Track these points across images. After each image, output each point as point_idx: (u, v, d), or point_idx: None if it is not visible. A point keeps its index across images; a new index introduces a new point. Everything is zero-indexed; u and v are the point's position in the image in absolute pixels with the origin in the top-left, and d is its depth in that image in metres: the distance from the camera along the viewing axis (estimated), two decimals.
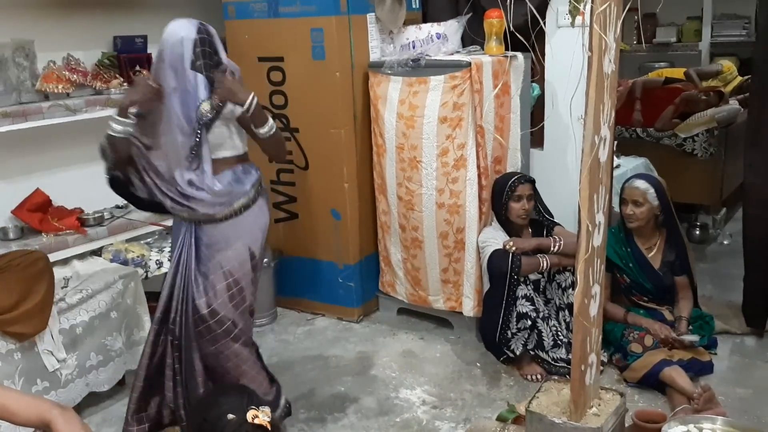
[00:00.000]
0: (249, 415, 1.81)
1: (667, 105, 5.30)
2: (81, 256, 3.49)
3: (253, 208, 2.81)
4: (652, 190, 3.46)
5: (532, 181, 3.63)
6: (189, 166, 2.67)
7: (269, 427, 1.81)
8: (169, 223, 3.84)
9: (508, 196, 3.57)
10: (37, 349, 2.94)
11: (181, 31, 2.69)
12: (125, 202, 3.88)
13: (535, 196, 3.61)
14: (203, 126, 2.65)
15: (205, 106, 2.65)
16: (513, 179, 3.60)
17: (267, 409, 1.84)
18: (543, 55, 3.60)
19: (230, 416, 1.82)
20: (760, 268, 3.64)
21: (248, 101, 2.69)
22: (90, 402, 3.24)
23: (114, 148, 2.70)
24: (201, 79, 2.67)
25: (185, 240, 2.80)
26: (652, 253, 3.56)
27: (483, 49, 3.84)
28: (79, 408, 3.14)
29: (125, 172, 2.79)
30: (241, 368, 2.88)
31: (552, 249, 3.50)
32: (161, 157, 2.71)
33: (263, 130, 2.77)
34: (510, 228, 3.62)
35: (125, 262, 3.49)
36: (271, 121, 2.80)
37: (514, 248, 3.44)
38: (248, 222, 2.80)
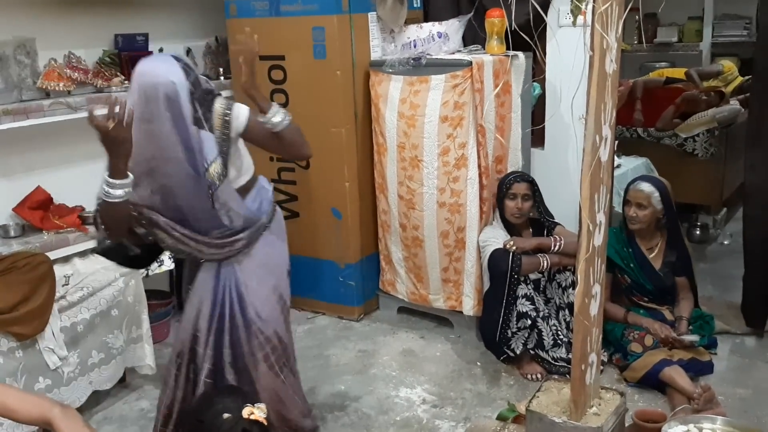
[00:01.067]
0: (245, 412, 1.82)
1: (668, 105, 5.30)
2: (82, 254, 3.48)
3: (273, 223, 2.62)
4: (657, 194, 3.46)
5: (530, 181, 3.62)
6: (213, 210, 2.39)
7: (265, 423, 1.82)
8: None
9: (503, 194, 3.58)
10: (39, 347, 2.94)
11: (171, 75, 2.25)
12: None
13: (534, 196, 3.61)
14: (216, 189, 2.34)
15: (216, 169, 2.32)
16: (509, 177, 3.61)
17: (263, 406, 1.84)
18: (544, 54, 3.60)
19: (226, 415, 1.82)
20: (760, 269, 3.64)
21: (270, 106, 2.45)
22: (90, 400, 3.24)
23: (114, 217, 2.27)
24: (206, 136, 2.33)
25: (225, 281, 2.53)
26: (653, 254, 3.56)
27: (484, 49, 3.84)
28: (80, 405, 3.14)
29: (123, 238, 2.42)
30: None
31: (552, 248, 3.51)
32: (181, 206, 2.38)
33: (277, 119, 2.47)
34: (510, 227, 3.62)
35: None
36: (276, 105, 2.51)
37: (514, 247, 3.44)
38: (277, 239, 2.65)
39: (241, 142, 2.51)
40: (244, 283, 2.54)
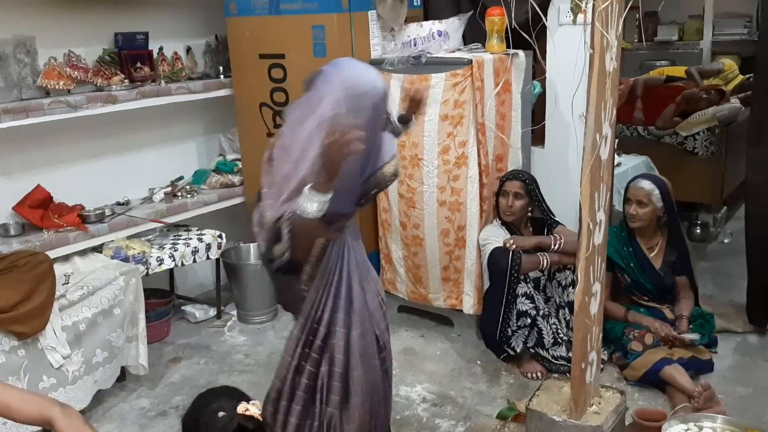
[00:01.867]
0: (240, 408, 1.83)
1: (668, 103, 5.30)
2: (82, 253, 3.50)
3: None
4: (656, 192, 3.46)
5: (523, 180, 3.58)
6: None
7: (260, 419, 1.83)
8: (170, 220, 3.87)
9: (498, 192, 3.59)
10: (41, 346, 2.94)
11: (381, 81, 2.05)
12: (126, 198, 3.93)
13: (530, 194, 3.58)
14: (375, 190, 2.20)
15: (390, 168, 2.17)
16: (504, 175, 3.61)
17: (257, 402, 1.85)
18: (544, 52, 3.60)
19: (221, 414, 1.84)
20: (762, 267, 3.64)
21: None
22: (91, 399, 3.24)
23: (304, 233, 1.97)
24: (388, 137, 2.25)
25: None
26: (654, 253, 3.56)
27: (484, 47, 3.83)
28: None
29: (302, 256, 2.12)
30: None
31: (552, 247, 3.50)
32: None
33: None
34: (510, 226, 3.62)
35: (126, 259, 3.49)
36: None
37: (514, 246, 3.44)
38: None
39: None
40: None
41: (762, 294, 3.68)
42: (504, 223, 3.63)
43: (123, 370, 3.40)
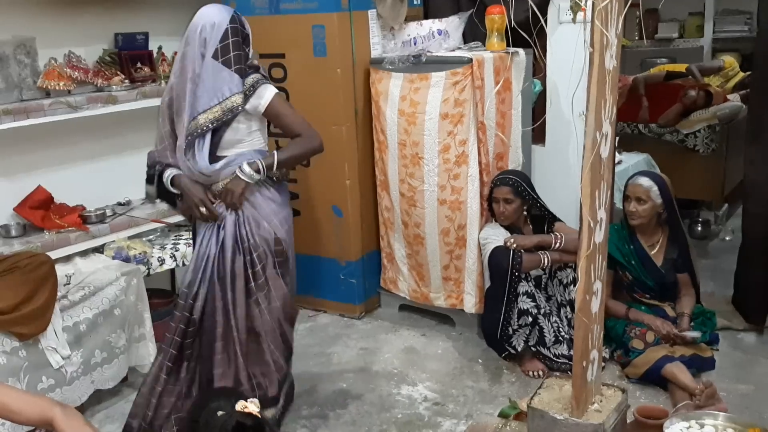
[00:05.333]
0: (238, 405, 1.84)
1: (670, 100, 5.28)
2: (83, 254, 3.50)
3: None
4: (655, 188, 3.45)
5: (511, 183, 3.53)
6: (185, 153, 2.71)
7: (259, 416, 1.83)
8: (171, 220, 3.86)
9: (488, 198, 3.60)
10: (41, 347, 2.94)
11: (215, 16, 2.63)
12: (127, 199, 3.93)
13: (521, 196, 3.53)
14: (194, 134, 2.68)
15: (236, 100, 2.64)
16: (492, 180, 3.60)
17: (256, 401, 1.86)
18: (544, 51, 3.60)
19: (220, 413, 1.85)
20: (759, 265, 3.63)
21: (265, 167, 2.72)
22: (92, 398, 3.24)
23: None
24: (228, 74, 2.63)
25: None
26: (655, 251, 3.55)
27: (484, 46, 3.83)
28: (82, 404, 3.14)
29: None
30: None
31: (553, 246, 3.50)
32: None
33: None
34: (510, 225, 3.62)
35: (127, 260, 3.49)
36: (275, 159, 2.74)
37: (514, 245, 3.44)
38: None
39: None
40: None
41: (760, 293, 3.66)
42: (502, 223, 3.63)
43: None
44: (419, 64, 3.67)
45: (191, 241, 3.13)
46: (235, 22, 2.65)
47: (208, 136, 2.65)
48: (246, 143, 2.75)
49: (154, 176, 2.82)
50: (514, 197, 3.52)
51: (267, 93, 2.68)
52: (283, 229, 2.80)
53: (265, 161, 2.71)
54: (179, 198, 2.81)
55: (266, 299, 2.76)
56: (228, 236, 2.72)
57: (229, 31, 2.62)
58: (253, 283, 2.74)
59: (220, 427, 1.82)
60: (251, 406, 1.85)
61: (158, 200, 2.98)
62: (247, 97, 2.65)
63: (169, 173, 2.76)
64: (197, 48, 2.61)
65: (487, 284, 3.61)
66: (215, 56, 2.60)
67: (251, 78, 2.67)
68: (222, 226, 2.74)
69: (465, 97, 3.54)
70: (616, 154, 3.98)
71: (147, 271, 3.53)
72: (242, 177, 2.68)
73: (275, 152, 2.74)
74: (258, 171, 2.69)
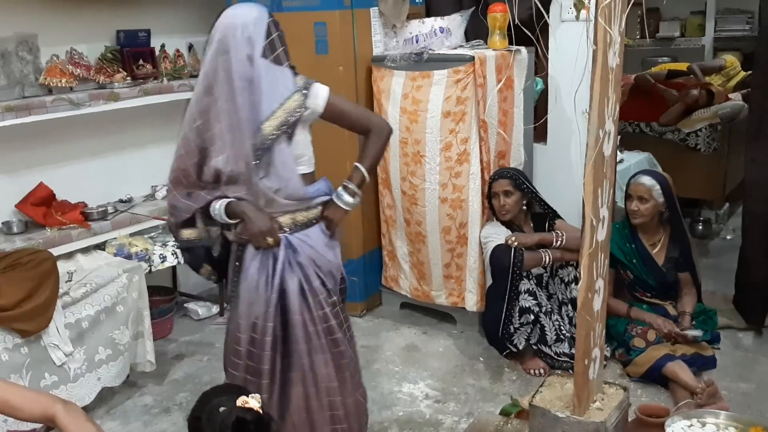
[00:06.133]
0: (239, 401, 1.84)
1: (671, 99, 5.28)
2: (85, 250, 3.50)
3: None
4: (657, 187, 3.45)
5: (510, 176, 3.54)
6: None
7: (260, 412, 1.83)
8: None
9: (487, 195, 3.58)
10: (44, 343, 2.94)
11: (252, 11, 2.32)
12: (128, 196, 3.93)
13: (521, 189, 3.53)
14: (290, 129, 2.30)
15: (297, 98, 2.30)
16: (490, 177, 3.59)
17: (257, 396, 1.86)
18: (547, 49, 3.59)
19: (222, 409, 1.85)
20: (760, 265, 3.63)
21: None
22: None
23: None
24: (281, 72, 2.32)
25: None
26: (656, 250, 3.55)
27: (486, 43, 3.83)
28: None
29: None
30: None
31: (554, 244, 3.50)
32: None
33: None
34: (510, 224, 3.61)
35: (129, 257, 3.49)
36: (364, 174, 2.43)
37: (516, 243, 3.44)
38: None
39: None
40: None
41: (759, 293, 3.66)
42: (504, 222, 3.62)
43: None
44: (421, 62, 3.67)
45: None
46: (272, 15, 2.38)
47: (287, 152, 2.32)
48: (306, 158, 2.42)
49: (195, 219, 2.41)
50: (513, 189, 3.52)
51: (322, 91, 2.37)
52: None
53: (355, 181, 2.41)
54: (233, 227, 2.37)
55: None
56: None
57: (271, 26, 2.34)
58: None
59: (220, 423, 1.82)
60: (252, 401, 1.85)
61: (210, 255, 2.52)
62: (304, 97, 2.34)
63: (220, 203, 2.32)
64: (242, 51, 2.26)
65: (489, 282, 3.61)
66: (264, 54, 2.30)
67: (299, 78, 2.38)
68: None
69: (467, 95, 3.54)
70: (618, 152, 3.98)
71: (148, 268, 3.53)
72: (343, 206, 2.41)
73: (357, 166, 2.43)
74: (354, 195, 2.41)
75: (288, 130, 2.29)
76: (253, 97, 2.25)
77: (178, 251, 3.55)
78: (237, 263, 2.42)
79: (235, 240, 2.39)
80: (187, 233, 2.43)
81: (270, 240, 2.31)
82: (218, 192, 2.32)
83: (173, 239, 2.50)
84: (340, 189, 2.42)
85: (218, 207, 2.31)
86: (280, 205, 2.34)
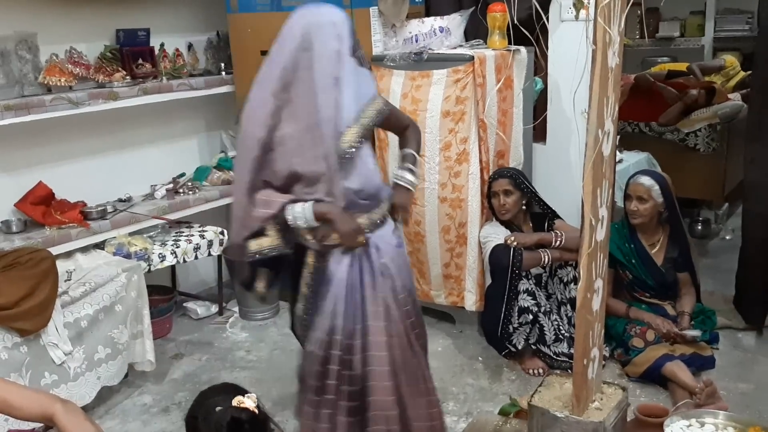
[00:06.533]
0: (234, 401, 1.84)
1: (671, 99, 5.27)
2: (84, 250, 3.50)
3: None
4: (656, 187, 3.45)
5: (509, 175, 3.55)
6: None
7: (256, 411, 1.84)
8: (171, 217, 3.86)
9: (487, 195, 3.58)
10: (43, 342, 2.94)
11: (335, 10, 2.29)
12: (128, 195, 3.93)
13: (519, 188, 3.53)
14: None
15: (380, 101, 2.31)
16: (490, 176, 3.59)
17: (253, 396, 1.87)
18: (546, 49, 3.59)
19: (218, 408, 1.85)
20: (759, 265, 3.63)
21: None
22: None
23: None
24: (367, 73, 2.33)
25: None
26: (655, 250, 3.56)
27: (486, 43, 3.83)
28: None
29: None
30: None
31: (553, 244, 3.50)
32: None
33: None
34: (510, 223, 3.61)
35: (128, 256, 3.49)
36: (417, 157, 2.48)
37: (515, 243, 3.44)
38: None
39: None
40: None
41: (759, 293, 3.66)
42: (503, 222, 3.62)
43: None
44: (421, 61, 3.67)
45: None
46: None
47: (368, 152, 2.31)
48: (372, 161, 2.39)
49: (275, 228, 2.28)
50: (513, 189, 3.52)
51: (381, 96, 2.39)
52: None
53: (409, 161, 2.42)
54: (313, 231, 2.28)
55: None
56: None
57: (352, 26, 2.31)
58: None
59: (215, 422, 1.83)
60: (248, 401, 1.85)
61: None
62: (383, 99, 2.35)
63: (302, 205, 2.22)
64: (330, 47, 2.21)
65: (488, 282, 3.61)
66: (352, 53, 2.27)
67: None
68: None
69: (466, 94, 3.54)
70: (617, 152, 3.97)
71: (147, 267, 3.53)
72: (408, 186, 2.39)
73: (406, 149, 2.45)
74: (413, 173, 2.40)
75: (367, 134, 2.27)
76: (338, 96, 2.20)
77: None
78: (313, 275, 2.33)
79: (318, 243, 2.27)
80: (257, 244, 2.27)
81: (361, 238, 2.25)
82: (291, 195, 2.23)
83: (234, 256, 2.34)
84: (398, 172, 2.41)
85: (301, 209, 2.21)
86: (359, 206, 2.29)
